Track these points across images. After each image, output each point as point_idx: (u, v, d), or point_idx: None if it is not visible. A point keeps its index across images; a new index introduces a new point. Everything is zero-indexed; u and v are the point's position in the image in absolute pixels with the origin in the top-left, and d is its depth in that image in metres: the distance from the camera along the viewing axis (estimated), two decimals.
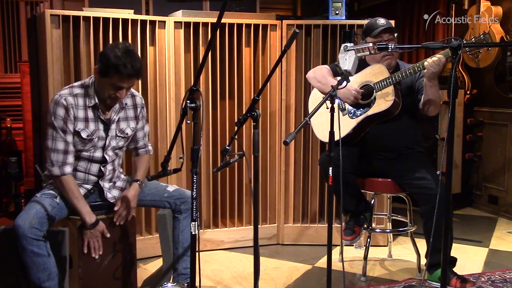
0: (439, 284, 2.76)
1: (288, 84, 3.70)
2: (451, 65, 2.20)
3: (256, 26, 3.63)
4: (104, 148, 2.55)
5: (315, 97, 3.22)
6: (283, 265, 3.38)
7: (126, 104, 2.61)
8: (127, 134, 2.63)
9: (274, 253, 3.63)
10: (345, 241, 3.09)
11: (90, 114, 2.49)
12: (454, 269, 2.92)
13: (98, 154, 2.54)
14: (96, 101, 2.47)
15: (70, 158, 2.45)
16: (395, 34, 3.00)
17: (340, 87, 2.34)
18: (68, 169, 2.44)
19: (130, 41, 3.26)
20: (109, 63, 2.35)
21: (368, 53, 2.53)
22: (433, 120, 4.54)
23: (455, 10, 4.70)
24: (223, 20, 2.61)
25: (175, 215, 2.69)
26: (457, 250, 3.62)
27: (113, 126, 2.56)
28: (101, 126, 2.52)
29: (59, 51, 3.12)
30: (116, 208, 2.55)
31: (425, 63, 2.77)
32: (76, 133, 2.45)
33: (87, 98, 2.47)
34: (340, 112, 2.49)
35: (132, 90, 2.68)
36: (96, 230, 2.46)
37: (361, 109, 3.00)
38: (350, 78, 2.42)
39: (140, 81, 3.34)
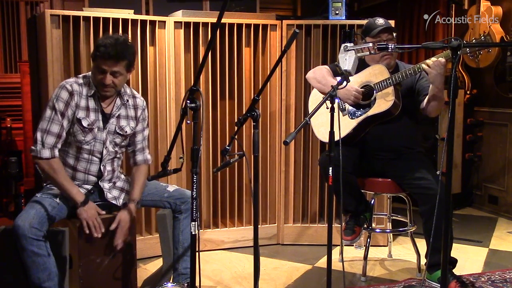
0: (439, 285, 2.76)
1: (288, 84, 3.70)
2: (451, 65, 2.21)
3: (256, 26, 3.63)
4: (104, 142, 2.56)
5: (315, 97, 3.22)
6: (283, 265, 3.38)
7: (127, 101, 2.62)
8: (126, 132, 2.63)
9: (274, 253, 3.63)
10: (345, 241, 3.09)
11: (91, 104, 2.51)
12: (454, 270, 2.92)
13: (98, 147, 2.55)
14: (95, 89, 2.51)
15: (60, 144, 2.47)
16: (394, 34, 3.00)
17: (340, 87, 2.34)
18: (57, 152, 2.46)
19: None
20: (96, 46, 2.43)
21: (368, 53, 2.53)
22: (433, 120, 4.54)
23: (455, 10, 4.70)
24: (223, 20, 2.61)
25: (175, 215, 2.69)
26: (457, 250, 3.62)
27: (112, 121, 2.57)
28: (100, 117, 2.54)
29: (59, 51, 3.12)
30: (111, 227, 2.50)
31: (423, 65, 2.77)
32: (78, 121, 2.47)
33: (88, 88, 2.51)
34: (340, 112, 2.48)
35: (134, 91, 2.70)
36: (90, 208, 2.45)
37: (361, 110, 3.00)
38: (350, 78, 2.42)
39: (140, 81, 3.34)
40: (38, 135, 2.44)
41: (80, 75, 2.59)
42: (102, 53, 2.40)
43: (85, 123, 2.48)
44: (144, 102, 2.73)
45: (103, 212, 2.52)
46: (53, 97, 2.47)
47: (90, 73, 2.57)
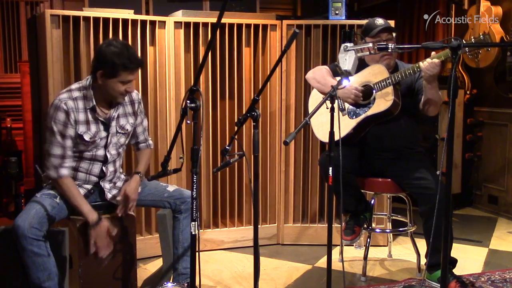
0: (439, 285, 2.76)
1: (288, 84, 3.70)
2: (451, 65, 2.21)
3: (256, 26, 3.63)
4: (106, 147, 2.55)
5: (315, 97, 3.22)
6: (283, 265, 3.39)
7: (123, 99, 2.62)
8: (127, 130, 2.64)
9: (274, 253, 3.63)
10: (345, 241, 3.09)
11: (90, 116, 2.49)
12: (454, 270, 2.92)
13: (100, 152, 2.55)
14: (94, 103, 2.48)
15: (67, 162, 2.45)
16: (394, 34, 3.00)
17: (340, 87, 2.35)
18: (64, 171, 2.44)
19: (130, 41, 3.26)
20: (115, 62, 2.37)
21: (368, 53, 2.52)
22: (433, 120, 4.54)
23: (455, 10, 4.70)
24: (223, 20, 2.61)
25: (175, 215, 2.69)
26: (457, 250, 3.62)
27: (113, 123, 2.57)
28: (101, 127, 2.53)
29: (59, 51, 3.12)
30: (118, 198, 2.57)
31: (421, 65, 2.77)
32: (79, 136, 2.46)
33: (86, 101, 2.48)
34: (340, 112, 2.49)
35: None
36: (101, 228, 2.45)
37: (361, 109, 3.00)
38: (350, 78, 2.42)
39: (140, 81, 3.34)
40: (45, 158, 2.46)
41: (74, 87, 2.51)
42: (128, 66, 2.39)
43: (87, 137, 2.47)
44: (139, 94, 2.74)
45: (114, 233, 2.51)
46: (50, 118, 2.43)
47: (85, 82, 2.50)
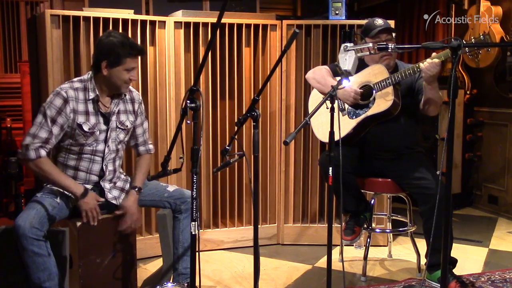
0: (439, 285, 2.76)
1: (288, 84, 3.70)
2: (451, 65, 2.21)
3: (256, 26, 3.63)
4: (105, 141, 2.56)
5: (315, 97, 3.22)
6: (283, 265, 3.39)
7: (124, 95, 2.64)
8: (127, 126, 2.65)
9: (274, 253, 3.63)
10: (345, 241, 3.09)
11: (90, 107, 2.51)
12: (454, 270, 2.92)
13: (100, 147, 2.55)
14: (97, 93, 2.50)
15: (48, 148, 2.44)
16: (393, 34, 3.00)
17: (340, 87, 2.35)
18: (43, 152, 2.41)
19: None
20: (119, 50, 2.43)
21: (368, 53, 2.52)
22: (433, 120, 4.54)
23: (455, 10, 4.70)
24: (223, 20, 2.61)
25: (175, 215, 2.69)
26: (457, 250, 3.62)
27: (113, 118, 2.58)
28: (101, 119, 2.54)
29: (59, 51, 3.12)
30: (117, 212, 2.56)
31: (421, 65, 2.77)
32: (78, 126, 2.47)
33: (87, 92, 2.50)
34: (340, 112, 2.49)
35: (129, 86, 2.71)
36: (89, 198, 2.45)
37: (361, 109, 3.00)
38: (350, 78, 2.42)
39: (140, 81, 3.34)
40: (26, 139, 2.43)
41: (75, 79, 2.56)
42: (131, 52, 2.45)
43: (86, 128, 2.48)
44: (139, 95, 2.75)
45: (102, 200, 2.53)
46: (46, 103, 2.45)
47: (86, 76, 2.54)
